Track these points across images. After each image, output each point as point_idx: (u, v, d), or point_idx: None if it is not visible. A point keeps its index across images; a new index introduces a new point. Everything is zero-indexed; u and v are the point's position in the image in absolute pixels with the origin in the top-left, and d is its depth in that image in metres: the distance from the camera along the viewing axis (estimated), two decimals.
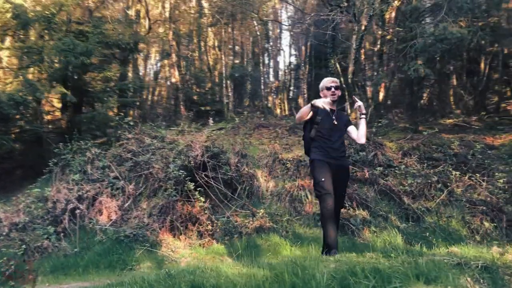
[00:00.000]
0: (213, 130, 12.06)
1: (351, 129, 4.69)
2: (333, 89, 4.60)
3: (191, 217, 7.57)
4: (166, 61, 21.49)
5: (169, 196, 7.47)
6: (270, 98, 27.98)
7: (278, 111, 25.37)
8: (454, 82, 19.52)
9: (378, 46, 16.24)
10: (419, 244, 6.57)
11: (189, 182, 7.42)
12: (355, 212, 7.52)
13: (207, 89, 22.17)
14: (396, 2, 12.80)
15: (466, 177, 7.77)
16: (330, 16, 11.12)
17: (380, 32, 15.33)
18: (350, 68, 11.03)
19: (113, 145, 10.25)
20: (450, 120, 14.87)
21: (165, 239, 7.05)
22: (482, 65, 19.63)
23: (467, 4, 9.24)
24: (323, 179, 4.31)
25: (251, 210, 7.44)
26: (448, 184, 7.67)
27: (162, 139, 9.75)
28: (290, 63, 31.40)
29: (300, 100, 26.17)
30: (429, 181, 7.89)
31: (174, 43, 19.85)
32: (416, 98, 12.94)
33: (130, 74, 16.92)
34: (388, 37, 14.74)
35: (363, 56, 14.30)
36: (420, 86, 13.68)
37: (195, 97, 21.31)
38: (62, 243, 7.10)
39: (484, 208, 7.01)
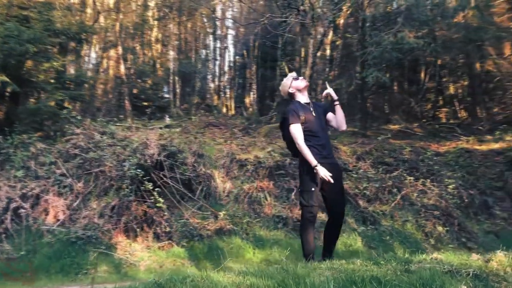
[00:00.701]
0: (160, 127, 11.74)
1: (330, 116, 4.44)
2: (302, 77, 4.53)
3: (147, 219, 7.30)
4: (111, 54, 20.59)
5: (124, 196, 7.14)
6: (215, 97, 27.74)
7: (225, 110, 25.20)
8: (398, 89, 20.46)
9: (328, 51, 16.59)
10: (379, 248, 6.78)
11: (147, 182, 7.13)
12: None
13: (152, 84, 21.56)
14: (345, 8, 13.16)
15: (419, 182, 8.11)
16: (286, 18, 11.19)
17: (330, 37, 15.66)
18: (307, 72, 11.17)
19: (58, 140, 9.66)
20: (395, 126, 15.52)
21: (121, 241, 6.73)
22: (422, 74, 20.75)
23: (422, 16, 9.69)
24: (313, 189, 4.10)
25: (213, 212, 7.28)
26: (404, 188, 7.97)
27: (112, 136, 9.32)
28: (235, 62, 31.35)
29: (247, 100, 26.16)
30: (384, 185, 8.15)
31: (120, 35, 19.10)
32: (365, 104, 13.38)
33: (76, 66, 16.04)
34: (338, 42, 15.13)
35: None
36: (370, 93, 14.17)
37: (139, 92, 20.63)
38: (5, 246, 6.57)
39: (437, 212, 7.34)
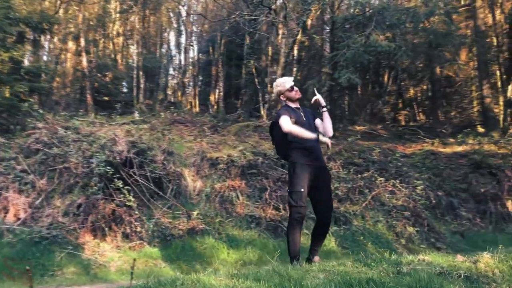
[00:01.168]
0: (125, 123, 11.42)
1: (318, 122, 4.48)
2: (296, 88, 4.51)
3: (116, 218, 7.06)
4: (70, 46, 19.85)
5: (92, 194, 6.87)
6: (179, 93, 27.32)
7: (188, 107, 24.85)
8: (362, 91, 20.86)
9: (296, 51, 16.67)
10: (352, 248, 6.84)
11: (117, 180, 6.89)
12: (287, 214, 7.58)
13: (114, 79, 20.98)
14: (314, 9, 13.26)
15: (390, 183, 8.26)
16: (258, 17, 11.13)
17: (299, 37, 15.74)
18: (279, 72, 11.14)
19: (17, 134, 9.20)
20: (361, 127, 15.79)
21: (88, 241, 6.47)
22: (386, 77, 21.28)
23: (393, 20, 9.89)
24: (302, 190, 4.12)
25: (185, 211, 7.12)
26: (374, 189, 8.08)
27: (77, 131, 8.97)
28: (199, 58, 30.99)
29: (212, 98, 25.89)
30: (355, 185, 8.25)
31: (82, 27, 18.44)
32: (334, 105, 13.52)
33: (34, 57, 15.32)
34: (306, 43, 15.22)
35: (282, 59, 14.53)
36: (340, 94, 14.34)
37: (101, 86, 20.03)
38: None
39: (407, 213, 7.49)
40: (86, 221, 6.87)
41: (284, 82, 4.54)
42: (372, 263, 3.27)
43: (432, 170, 9.46)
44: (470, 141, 11.49)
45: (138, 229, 6.72)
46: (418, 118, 23.75)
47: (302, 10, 10.58)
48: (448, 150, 11.04)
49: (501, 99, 16.02)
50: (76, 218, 6.85)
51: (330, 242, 6.74)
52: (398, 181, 8.44)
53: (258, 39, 19.03)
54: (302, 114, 4.34)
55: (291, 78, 4.64)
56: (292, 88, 4.48)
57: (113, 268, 5.80)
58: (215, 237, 6.82)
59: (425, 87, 25.21)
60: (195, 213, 7.04)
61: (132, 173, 7.48)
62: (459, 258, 3.56)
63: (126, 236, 6.77)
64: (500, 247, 3.58)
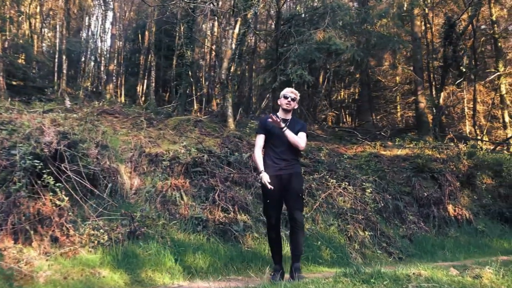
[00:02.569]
0: (44, 112, 10.37)
1: (301, 135, 4.85)
2: (289, 99, 4.83)
3: (43, 219, 6.21)
4: None
5: (15, 191, 5.98)
6: (103, 82, 25.79)
7: (112, 96, 23.51)
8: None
9: (233, 45, 16.26)
10: (306, 253, 6.60)
11: (47, 176, 6.06)
12: (236, 216, 7.19)
13: (34, 62, 19.23)
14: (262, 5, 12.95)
15: (340, 185, 8.15)
16: (203, 4, 10.57)
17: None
18: (225, 65, 10.66)
19: None
20: None
21: (9, 246, 5.61)
22: (320, 78, 21.59)
23: (348, 19, 9.83)
24: (267, 201, 4.73)
25: (129, 213, 6.45)
26: (325, 191, 7.92)
27: None
28: (124, 46, 29.53)
29: (139, 88, 24.72)
30: (306, 187, 8.03)
31: None
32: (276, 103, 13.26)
33: None
34: (249, 37, 14.87)
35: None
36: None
37: (15, 69, 18.25)
38: None
39: (360, 216, 7.41)
40: (5, 223, 5.97)
41: (287, 91, 4.94)
42: (372, 280, 2.99)
43: (377, 172, 9.54)
44: (408, 145, 11.83)
45: (71, 232, 5.96)
46: (344, 120, 24.49)
47: (250, 3, 10.19)
48: (388, 153, 11.26)
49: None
50: None
51: (284, 247, 6.43)
52: (346, 183, 8.36)
53: (194, 30, 18.44)
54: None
55: (296, 93, 4.97)
56: (286, 98, 4.84)
57: (42, 279, 5.03)
58: (159, 241, 6.24)
59: (354, 90, 26.07)
60: (137, 214, 6.39)
61: (64, 168, 6.65)
62: (453, 271, 3.40)
63: (55, 240, 5.98)
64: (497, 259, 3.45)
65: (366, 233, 7.19)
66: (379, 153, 11.00)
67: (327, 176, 8.34)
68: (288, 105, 4.82)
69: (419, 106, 15.51)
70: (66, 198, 6.10)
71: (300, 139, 4.75)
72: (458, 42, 14.48)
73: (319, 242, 6.54)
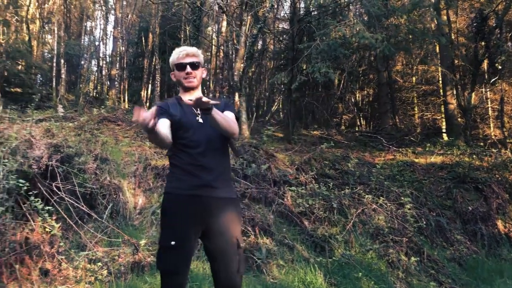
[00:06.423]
0: (41, 120, 9.63)
1: (231, 116, 2.88)
2: (188, 68, 2.84)
3: (31, 248, 5.41)
4: None
5: None
6: (106, 87, 25.14)
7: (115, 103, 22.87)
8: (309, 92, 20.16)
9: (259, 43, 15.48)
10: (341, 285, 5.74)
11: (34, 198, 5.26)
12: (257, 240, 6.33)
13: (28, 67, 18.62)
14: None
15: (376, 201, 7.25)
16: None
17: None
18: (238, 65, 9.86)
19: None
20: (316, 132, 14.89)
21: None
22: (336, 81, 20.73)
23: (375, 10, 9.00)
24: (172, 243, 2.64)
25: (135, 242, 5.61)
26: (359, 207, 7.04)
27: None
28: (127, 49, 28.92)
29: (143, 93, 24.04)
30: (334, 203, 7.16)
31: None
32: (294, 105, 12.44)
33: None
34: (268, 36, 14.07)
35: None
36: (300, 94, 13.30)
37: (11, 75, 17.66)
38: None
39: (403, 238, 6.50)
40: None
41: (176, 54, 2.91)
42: None
43: (413, 184, 8.62)
44: (439, 151, 10.91)
45: (63, 265, 5.14)
46: (359, 123, 23.55)
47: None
48: (422, 160, 10.35)
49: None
50: None
51: (317, 278, 5.56)
52: (382, 198, 7.46)
53: (200, 30, 17.77)
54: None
55: (191, 52, 2.91)
56: (181, 67, 2.85)
57: None
58: None
59: (369, 91, 25.16)
60: (142, 242, 5.56)
61: (55, 188, 5.84)
62: None
63: (45, 274, 5.16)
64: None
65: (412, 258, 6.27)
66: (411, 161, 10.09)
67: (361, 191, 7.44)
68: (189, 81, 2.86)
69: (448, 107, 14.59)
70: (58, 225, 5.28)
71: (232, 122, 2.78)
72: (491, 37, 13.61)
73: (360, 273, 5.64)
